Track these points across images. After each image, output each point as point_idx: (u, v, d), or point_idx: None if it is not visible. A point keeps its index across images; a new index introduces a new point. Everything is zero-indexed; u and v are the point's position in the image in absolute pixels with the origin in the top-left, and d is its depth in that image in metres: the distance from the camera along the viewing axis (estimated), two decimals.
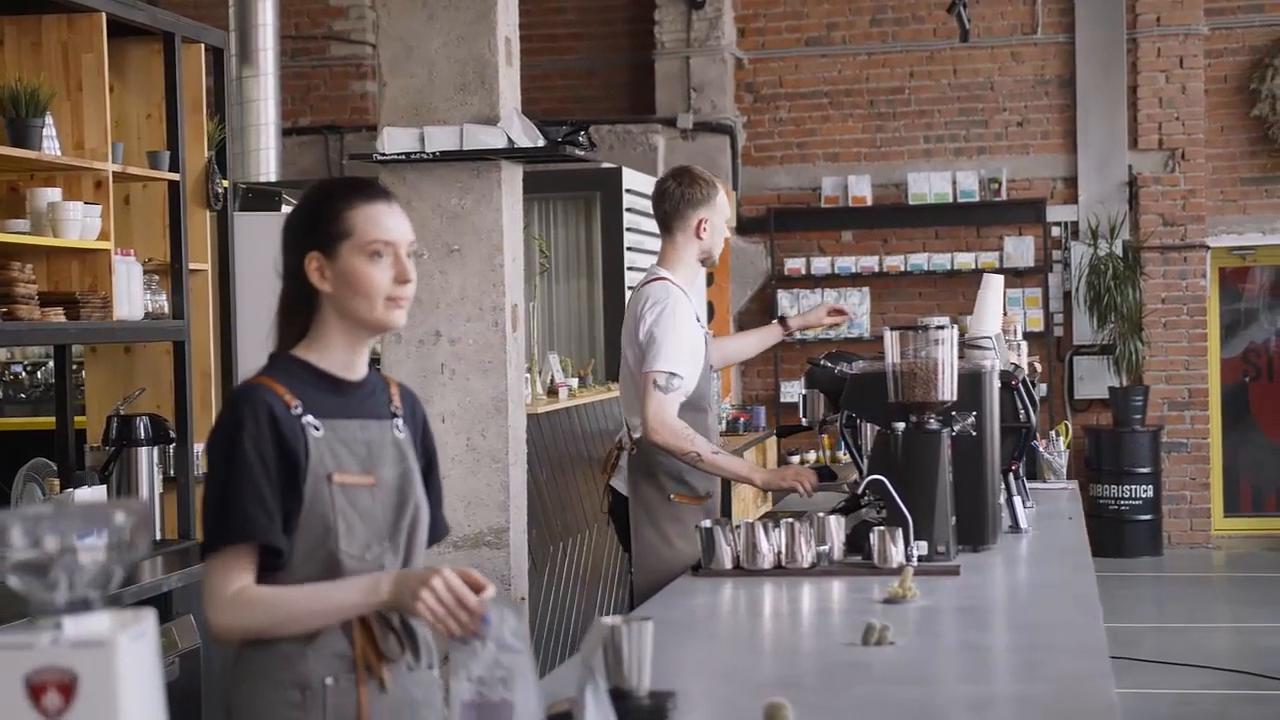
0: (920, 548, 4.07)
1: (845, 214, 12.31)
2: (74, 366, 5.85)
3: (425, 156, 5.36)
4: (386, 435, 2.70)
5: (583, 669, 2.31)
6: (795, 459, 11.17)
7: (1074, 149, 12.17)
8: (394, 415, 2.73)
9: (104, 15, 5.12)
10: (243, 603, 2.55)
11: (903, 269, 12.15)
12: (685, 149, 11.99)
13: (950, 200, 12.13)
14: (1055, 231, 12.16)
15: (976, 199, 12.11)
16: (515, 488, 5.48)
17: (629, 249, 9.52)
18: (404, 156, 5.36)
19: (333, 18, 12.60)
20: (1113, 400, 11.84)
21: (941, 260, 12.11)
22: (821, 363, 4.97)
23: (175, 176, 5.42)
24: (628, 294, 9.00)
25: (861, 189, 12.25)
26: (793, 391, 11.99)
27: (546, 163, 6.55)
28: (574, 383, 7.97)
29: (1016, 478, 5.00)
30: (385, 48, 5.45)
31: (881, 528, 4.06)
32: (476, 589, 2.47)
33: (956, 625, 3.60)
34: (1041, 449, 6.35)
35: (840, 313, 5.52)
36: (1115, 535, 11.46)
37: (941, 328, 4.26)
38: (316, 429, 2.61)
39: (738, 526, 4.10)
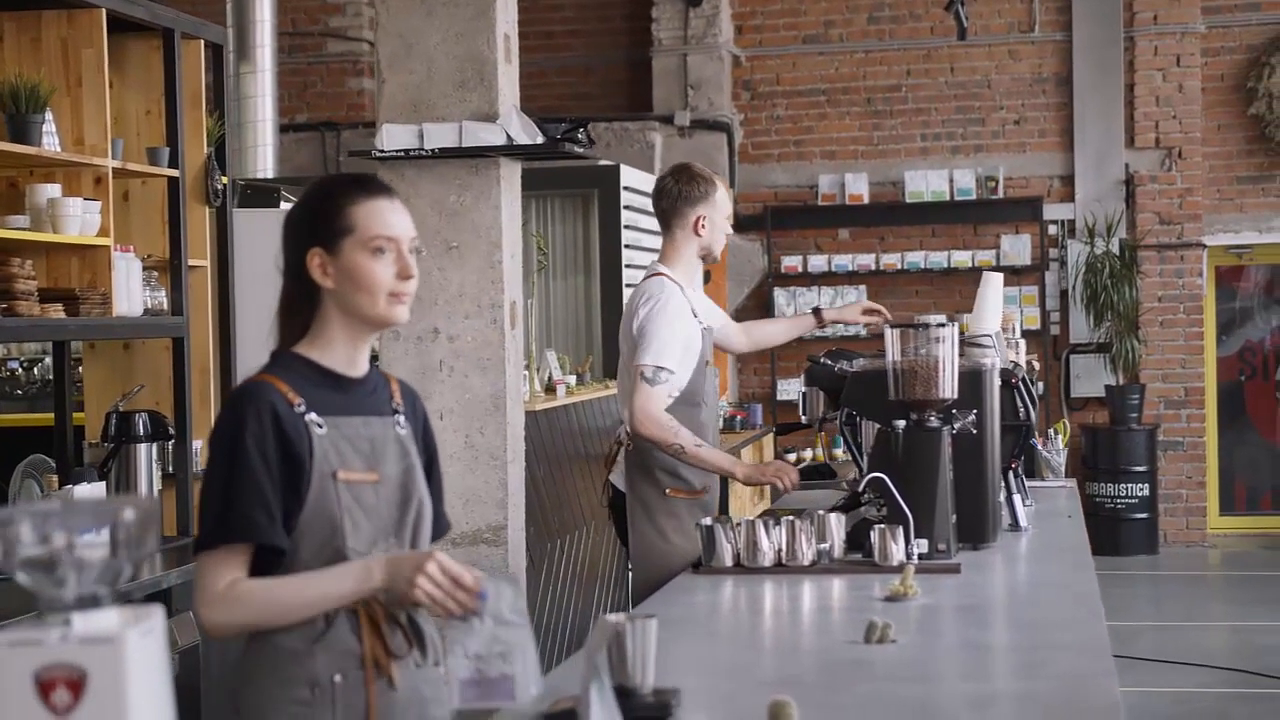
0: (921, 545, 4.07)
1: (842, 212, 12.30)
2: (72, 362, 5.84)
3: (424, 153, 5.36)
4: (389, 432, 2.70)
5: (587, 666, 2.31)
6: (791, 456, 11.16)
7: (1071, 147, 12.17)
8: (395, 412, 2.74)
9: (104, 11, 5.11)
10: (234, 597, 2.55)
11: (899, 267, 12.13)
12: (682, 146, 11.98)
13: (947, 198, 12.12)
14: (1052, 230, 12.15)
15: (973, 197, 12.10)
16: (513, 485, 5.49)
17: (627, 246, 9.52)
18: (403, 153, 5.35)
19: (330, 14, 12.58)
20: (1109, 399, 11.83)
21: (938, 258, 12.10)
22: (821, 360, 4.97)
23: (175, 173, 5.42)
24: (625, 291, 9.03)
25: (858, 187, 12.24)
26: (790, 389, 11.98)
27: (545, 160, 6.55)
28: (572, 380, 7.97)
29: (1016, 476, 5.00)
30: (384, 44, 5.44)
31: (882, 525, 4.05)
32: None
33: (958, 623, 3.59)
34: (1040, 447, 6.35)
35: (876, 312, 5.49)
36: (1111, 533, 11.46)
37: (942, 326, 4.26)
38: (320, 426, 2.61)
39: (738, 524, 4.10)
